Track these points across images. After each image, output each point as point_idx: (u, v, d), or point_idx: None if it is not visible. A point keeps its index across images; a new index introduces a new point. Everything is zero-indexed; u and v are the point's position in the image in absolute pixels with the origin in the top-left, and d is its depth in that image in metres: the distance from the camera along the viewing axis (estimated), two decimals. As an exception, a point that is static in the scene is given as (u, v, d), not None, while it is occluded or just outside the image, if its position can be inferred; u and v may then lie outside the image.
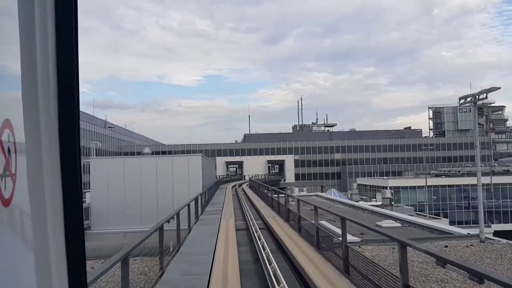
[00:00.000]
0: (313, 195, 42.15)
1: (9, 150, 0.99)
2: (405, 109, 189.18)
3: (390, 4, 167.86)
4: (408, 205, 58.03)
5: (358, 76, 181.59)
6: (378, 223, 20.84)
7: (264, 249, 9.54)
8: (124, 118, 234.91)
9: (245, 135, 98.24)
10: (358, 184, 77.49)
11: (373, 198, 66.48)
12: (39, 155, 0.99)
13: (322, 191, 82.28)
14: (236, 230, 13.92)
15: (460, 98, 18.42)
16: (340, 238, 7.80)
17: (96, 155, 56.93)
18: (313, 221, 10.57)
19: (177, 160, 24.85)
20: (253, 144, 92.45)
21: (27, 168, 1.00)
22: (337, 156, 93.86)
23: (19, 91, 0.98)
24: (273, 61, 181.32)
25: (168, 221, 9.09)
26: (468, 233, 15.71)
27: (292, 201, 16.24)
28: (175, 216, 9.80)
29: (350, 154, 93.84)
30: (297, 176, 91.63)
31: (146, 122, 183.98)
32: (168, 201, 21.95)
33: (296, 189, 65.15)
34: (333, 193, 51.76)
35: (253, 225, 13.50)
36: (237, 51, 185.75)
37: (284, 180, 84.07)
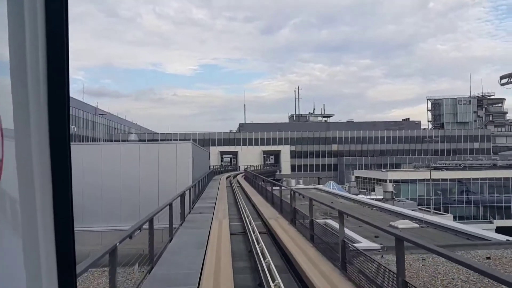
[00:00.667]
0: (311, 188, 39.64)
1: None
2: (400, 101, 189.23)
3: None
4: (408, 199, 55.90)
5: (354, 68, 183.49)
6: (392, 223, 18.33)
7: (270, 271, 6.90)
8: (118, 106, 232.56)
9: (240, 125, 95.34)
10: (356, 177, 75.26)
11: (372, 191, 64.33)
12: (29, 142, 1.00)
13: (319, 183, 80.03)
14: (231, 234, 11.29)
15: (501, 78, 15.79)
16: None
17: (84, 142, 54.28)
18: (336, 231, 7.95)
19: (164, 147, 21.94)
20: (248, 134, 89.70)
21: (16, 154, 1.00)
22: (334, 147, 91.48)
23: (8, 77, 0.98)
24: (270, 51, 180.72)
25: (140, 229, 6.44)
26: (507, 240, 13.20)
27: (294, 194, 13.60)
28: (148, 223, 7.12)
29: (348, 146, 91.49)
30: (293, 168, 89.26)
31: (141, 111, 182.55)
32: (153, 195, 19.25)
33: (293, 181, 62.79)
34: (331, 186, 49.37)
35: (252, 228, 10.84)
36: (233, 40, 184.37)
37: (280, 171, 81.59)
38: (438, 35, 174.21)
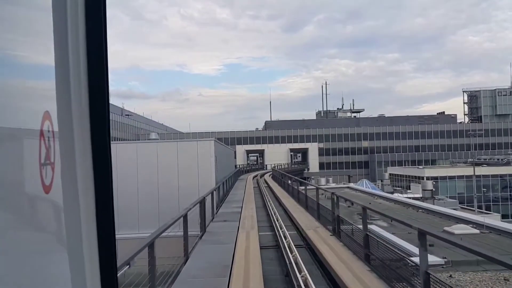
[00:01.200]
0: (344, 187, 37.09)
1: (49, 140, 1.05)
2: (431, 96, 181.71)
3: None
4: (448, 197, 52.25)
5: (381, 62, 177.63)
6: (447, 228, 15.76)
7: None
8: (146, 107, 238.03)
9: (266, 122, 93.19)
10: (390, 174, 71.75)
11: (407, 189, 60.86)
12: (72, 143, 1.07)
13: (349, 182, 76.95)
14: (261, 247, 9.21)
15: None
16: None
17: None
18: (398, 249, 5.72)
19: (183, 145, 20.05)
20: (275, 131, 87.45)
21: (61, 156, 1.08)
22: (365, 143, 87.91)
23: (53, 81, 1.06)
24: (294, 49, 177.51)
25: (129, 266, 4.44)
26: None
27: (337, 200, 11.35)
28: (148, 249, 5.13)
29: (379, 142, 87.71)
30: (321, 165, 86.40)
31: (167, 112, 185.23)
32: (173, 201, 17.39)
33: (322, 180, 60.18)
34: (364, 184, 46.50)
35: (288, 244, 8.67)
36: (257, 39, 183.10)
37: (308, 169, 78.96)
38: (470, 26, 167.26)
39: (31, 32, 1.04)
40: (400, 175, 65.26)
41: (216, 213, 14.32)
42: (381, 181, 62.78)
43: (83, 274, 1.07)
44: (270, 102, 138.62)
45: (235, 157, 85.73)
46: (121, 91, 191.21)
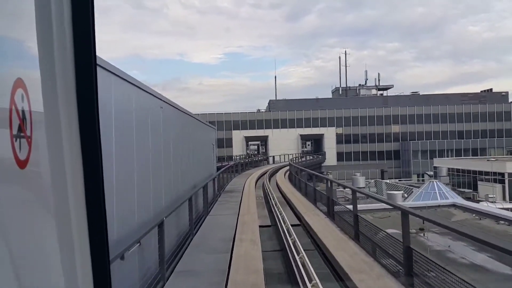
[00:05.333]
0: (434, 205, 18.80)
1: (23, 111, 0.97)
2: (429, 85, 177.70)
3: None
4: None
5: (381, 52, 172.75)
6: None
7: None
8: None
9: (270, 102, 74.59)
10: (435, 168, 53.68)
11: (471, 189, 42.88)
12: (58, 120, 1.01)
13: (383, 177, 58.86)
14: None
15: None
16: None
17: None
18: None
19: None
20: (281, 113, 69.04)
21: (46, 133, 1.02)
22: (395, 128, 69.64)
23: (37, 71, 1.01)
24: (295, 38, 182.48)
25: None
26: None
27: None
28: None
29: (413, 126, 69.44)
30: (339, 156, 68.40)
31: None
32: None
33: (361, 179, 41.93)
34: (437, 188, 28.44)
35: None
36: (258, 28, 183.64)
37: (324, 161, 60.88)
38: (470, 15, 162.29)
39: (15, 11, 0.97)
40: (461, 170, 47.00)
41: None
42: (437, 181, 44.51)
43: (73, 263, 1.00)
44: (275, 77, 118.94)
45: (231, 145, 67.72)
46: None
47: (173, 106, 10.22)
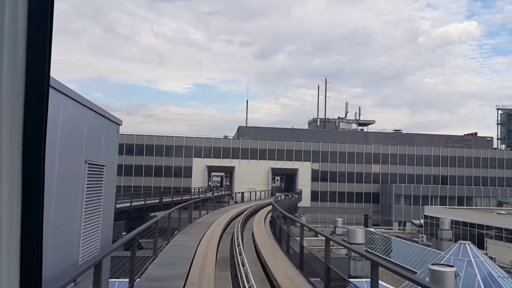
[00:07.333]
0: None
1: None
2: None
3: (379, 30, 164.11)
4: None
5: (345, 95, 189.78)
6: None
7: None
8: None
9: (240, 128, 66.01)
10: (426, 217, 46.38)
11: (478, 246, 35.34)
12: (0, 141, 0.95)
13: (367, 225, 50.68)
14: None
15: None
16: None
17: None
18: None
19: None
20: (252, 142, 60.50)
21: None
22: (375, 168, 62.66)
23: None
24: (264, 75, 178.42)
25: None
26: None
27: None
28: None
29: (395, 167, 62.79)
30: (314, 195, 60.13)
31: (132, 126, 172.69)
32: None
33: (339, 221, 33.54)
34: (470, 253, 20.35)
35: None
36: (229, 62, 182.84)
37: (301, 200, 52.28)
38: (427, 68, 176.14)
39: None
40: (458, 222, 39.53)
41: None
42: (440, 237, 36.55)
43: None
44: (247, 101, 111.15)
45: (190, 175, 57.98)
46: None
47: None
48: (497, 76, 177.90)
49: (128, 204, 29.49)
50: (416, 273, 27.14)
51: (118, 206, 28.22)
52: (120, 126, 8.21)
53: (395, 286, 20.10)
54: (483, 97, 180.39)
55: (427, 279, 15.54)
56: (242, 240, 11.74)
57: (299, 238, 9.23)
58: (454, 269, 15.33)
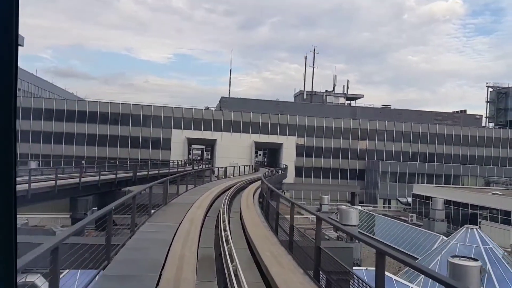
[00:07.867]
0: None
1: None
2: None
3: (365, 5, 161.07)
4: None
5: (328, 71, 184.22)
6: None
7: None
8: (86, 89, 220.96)
9: (222, 99, 62.44)
10: (415, 196, 44.75)
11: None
12: None
13: (353, 202, 48.82)
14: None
15: None
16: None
17: None
18: None
19: None
20: (234, 114, 57.23)
21: None
22: (362, 144, 60.61)
23: None
24: (247, 47, 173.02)
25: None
26: None
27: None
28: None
29: (382, 143, 60.85)
30: (298, 171, 57.87)
31: (110, 95, 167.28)
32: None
33: (325, 199, 31.67)
34: (480, 240, 18.23)
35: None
36: (211, 32, 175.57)
37: (286, 177, 49.88)
38: (410, 46, 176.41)
39: None
40: (449, 201, 37.82)
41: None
42: (431, 218, 34.71)
43: None
44: (230, 70, 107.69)
45: (168, 148, 54.59)
46: (60, 68, 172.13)
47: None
48: (478, 56, 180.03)
49: (97, 178, 26.15)
50: (412, 256, 25.01)
51: (84, 179, 24.90)
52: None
53: (389, 271, 17.96)
54: (463, 76, 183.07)
55: (446, 272, 13.15)
56: (230, 231, 8.77)
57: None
58: (479, 263, 12.94)
